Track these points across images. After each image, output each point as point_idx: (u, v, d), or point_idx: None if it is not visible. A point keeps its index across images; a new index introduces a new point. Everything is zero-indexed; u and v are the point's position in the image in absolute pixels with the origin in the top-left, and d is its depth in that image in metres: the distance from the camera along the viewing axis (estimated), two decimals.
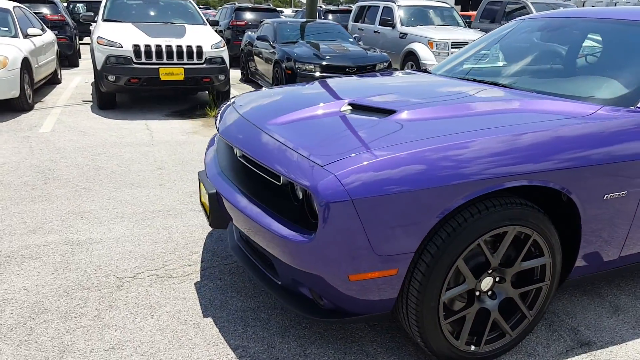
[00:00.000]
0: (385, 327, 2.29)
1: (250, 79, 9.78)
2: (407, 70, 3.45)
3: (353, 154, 1.75)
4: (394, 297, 1.86)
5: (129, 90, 6.61)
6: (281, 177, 1.96)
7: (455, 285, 1.92)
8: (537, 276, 2.08)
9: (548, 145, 1.90)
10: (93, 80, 9.32)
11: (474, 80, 2.77)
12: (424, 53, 8.43)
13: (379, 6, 10.27)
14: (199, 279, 2.63)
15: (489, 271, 1.96)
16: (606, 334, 2.31)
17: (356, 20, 11.23)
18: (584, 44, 2.70)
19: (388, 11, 9.84)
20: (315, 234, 1.68)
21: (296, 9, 36.37)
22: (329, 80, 2.98)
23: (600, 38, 2.67)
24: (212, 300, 2.45)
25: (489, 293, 2.03)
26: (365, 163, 1.69)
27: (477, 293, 1.98)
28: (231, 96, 7.92)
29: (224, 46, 7.00)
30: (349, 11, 13.50)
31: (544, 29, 3.02)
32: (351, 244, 1.69)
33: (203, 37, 6.91)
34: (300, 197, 1.89)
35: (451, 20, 9.82)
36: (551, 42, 2.90)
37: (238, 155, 2.30)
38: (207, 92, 7.29)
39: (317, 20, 9.36)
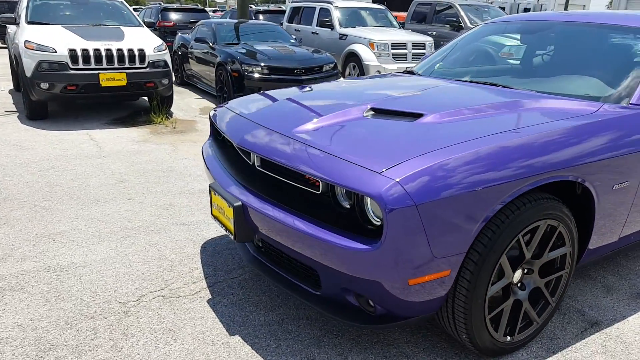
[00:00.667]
0: (414, 328, 2.32)
1: (187, 81, 9.46)
2: (396, 73, 3.49)
3: (407, 159, 1.74)
4: (443, 297, 1.88)
5: (64, 99, 6.13)
6: (320, 186, 1.91)
7: (497, 281, 1.98)
8: (557, 265, 2.19)
9: (572, 142, 2.02)
10: (11, 87, 8.56)
11: (471, 82, 2.86)
12: (366, 54, 8.59)
13: (315, 7, 10.33)
14: (210, 296, 2.50)
15: (522, 264, 2.05)
16: (608, 313, 2.49)
17: (290, 21, 11.20)
18: (567, 46, 2.88)
19: (325, 12, 9.92)
20: (380, 241, 1.66)
21: (213, 9, 35.60)
22: (324, 86, 2.95)
23: (581, 40, 2.87)
24: (233, 317, 2.34)
25: (519, 284, 2.12)
26: (422, 167, 1.70)
27: (512, 286, 2.06)
28: (172, 101, 7.61)
29: (166, 49, 6.71)
30: (280, 12, 13.45)
31: (522, 32, 3.19)
32: (414, 248, 1.68)
33: (144, 40, 6.57)
34: (348, 205, 1.85)
35: (386, 22, 10.09)
36: (532, 45, 3.07)
37: (257, 164, 2.21)
38: (147, 97, 6.94)
39: (258, 21, 9.23)
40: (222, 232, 3.24)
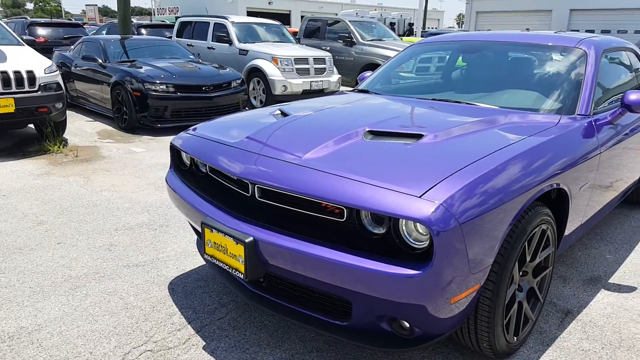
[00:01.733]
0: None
1: (72, 103, 8.63)
2: (347, 91, 3.51)
3: (440, 180, 1.77)
4: (469, 310, 1.94)
5: None
6: (345, 213, 1.86)
7: (509, 287, 2.08)
8: (544, 264, 2.38)
9: (556, 152, 2.21)
10: None
11: (434, 100, 2.98)
12: (271, 69, 8.55)
13: (208, 22, 10.04)
14: (204, 342, 2.30)
15: (523, 268, 2.19)
16: (573, 301, 2.75)
17: (179, 35, 10.78)
18: (511, 64, 3.15)
19: (222, 27, 9.69)
20: (430, 264, 1.66)
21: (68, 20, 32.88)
22: (300, 108, 2.88)
23: (520, 58, 3.15)
24: None
25: (517, 287, 2.25)
26: (459, 188, 1.73)
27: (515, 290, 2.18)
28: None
29: (57, 70, 6.06)
30: (164, 26, 12.87)
31: (456, 51, 3.42)
32: (458, 267, 1.71)
33: (31, 61, 5.86)
34: (380, 231, 1.82)
35: (282, 37, 10.16)
36: (475, 63, 3.30)
37: (257, 196, 2.09)
38: (34, 124, 6.19)
39: (151, 37, 8.73)
40: (186, 269, 2.99)
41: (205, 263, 3.08)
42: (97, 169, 5.12)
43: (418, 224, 1.74)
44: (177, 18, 11.43)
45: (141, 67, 7.14)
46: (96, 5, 51.12)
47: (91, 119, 7.91)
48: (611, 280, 2.98)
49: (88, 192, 4.38)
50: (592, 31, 32.24)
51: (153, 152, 5.86)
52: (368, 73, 3.88)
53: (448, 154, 2.00)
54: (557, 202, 2.43)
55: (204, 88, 7.14)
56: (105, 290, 2.72)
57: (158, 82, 6.80)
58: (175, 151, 2.75)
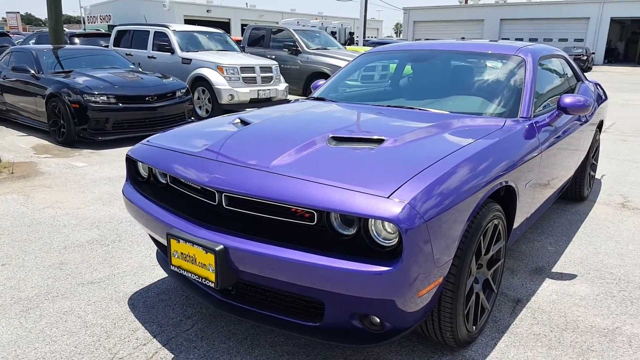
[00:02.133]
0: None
1: (1, 117, 8.16)
2: (303, 100, 3.57)
3: (404, 182, 1.86)
4: (433, 303, 2.04)
5: None
6: (315, 216, 1.92)
7: (468, 279, 2.21)
8: (496, 257, 2.53)
9: (505, 152, 2.38)
10: None
11: (389, 107, 3.10)
12: (216, 78, 8.47)
13: (148, 31, 9.81)
14: (172, 355, 2.27)
15: (479, 261, 2.33)
16: (522, 290, 2.94)
17: (116, 45, 10.45)
18: (456, 72, 3.33)
19: (162, 36, 9.49)
20: (400, 260, 1.74)
21: None
22: (256, 116, 2.90)
23: (465, 66, 3.34)
24: None
25: (474, 279, 2.39)
26: (422, 188, 1.84)
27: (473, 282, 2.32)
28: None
29: None
30: (99, 35, 12.45)
31: (412, 60, 3.58)
32: (425, 262, 1.81)
33: None
34: (350, 232, 1.89)
35: (227, 46, 10.09)
36: (423, 71, 3.46)
37: (225, 204, 2.10)
38: None
39: (88, 47, 8.42)
40: (145, 283, 2.93)
41: (165, 276, 3.03)
42: (36, 186, 4.88)
43: (386, 223, 1.83)
44: (109, 26, 11.11)
45: (79, 78, 6.88)
46: (18, 12, 48.35)
47: (24, 134, 7.51)
48: (554, 270, 3.21)
49: (30, 210, 4.18)
50: (520, 39, 34.31)
51: (96, 166, 5.66)
52: (321, 81, 3.97)
53: (409, 157, 2.11)
54: (505, 198, 2.60)
55: (147, 98, 6.97)
56: (61, 310, 2.62)
57: (98, 93, 6.57)
58: (131, 163, 2.70)
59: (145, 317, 2.56)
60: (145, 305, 2.69)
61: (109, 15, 42.42)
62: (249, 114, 2.99)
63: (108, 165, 5.69)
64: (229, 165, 2.16)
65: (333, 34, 28.32)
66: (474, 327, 2.35)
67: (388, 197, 1.78)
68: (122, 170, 5.47)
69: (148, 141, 2.68)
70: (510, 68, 3.12)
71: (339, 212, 1.79)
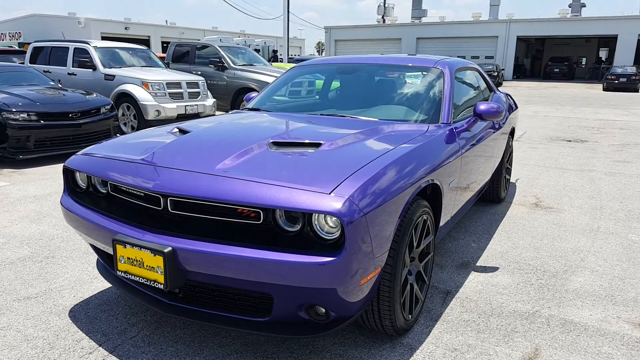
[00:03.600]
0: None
1: None
2: (247, 112, 3.66)
3: (342, 180, 2.02)
4: (372, 293, 2.21)
5: None
6: (261, 215, 2.03)
7: (402, 270, 2.41)
8: (427, 250, 2.77)
9: (431, 154, 2.63)
10: None
11: (322, 115, 3.28)
12: (141, 94, 8.33)
13: (67, 47, 9.46)
14: None
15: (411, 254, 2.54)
16: (451, 283, 3.20)
17: (33, 61, 9.98)
18: (382, 83, 3.59)
19: (83, 52, 9.19)
20: (342, 251, 1.89)
21: None
22: (195, 125, 2.98)
23: (386, 77, 3.61)
24: None
25: (408, 271, 2.60)
26: (360, 185, 2.01)
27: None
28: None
29: None
30: (12, 52, 11.83)
31: (341, 72, 3.80)
32: (365, 253, 1.98)
33: None
34: (295, 229, 2.02)
35: (150, 62, 9.93)
36: (352, 82, 3.70)
37: (170, 208, 2.17)
38: None
39: (5, 63, 7.99)
40: (84, 296, 2.88)
41: (105, 288, 2.99)
42: None
43: (329, 217, 1.98)
44: (20, 44, 10.63)
45: None
46: None
47: None
48: (478, 264, 3.51)
49: None
50: None
51: (19, 185, 5.40)
52: (254, 93, 4.11)
53: (345, 159, 2.29)
54: (432, 198, 2.85)
55: (70, 115, 6.75)
56: None
57: (18, 110, 6.29)
58: (69, 174, 2.68)
59: (89, 328, 2.53)
60: (87, 316, 2.65)
61: (19, 33, 40.06)
62: (187, 123, 3.06)
63: (32, 184, 5.45)
64: (173, 170, 2.23)
65: (257, 51, 28.58)
66: (410, 316, 2.55)
67: (329, 194, 1.94)
68: (48, 188, 5.26)
69: (86, 151, 2.68)
70: (430, 79, 3.43)
71: (286, 209, 1.93)
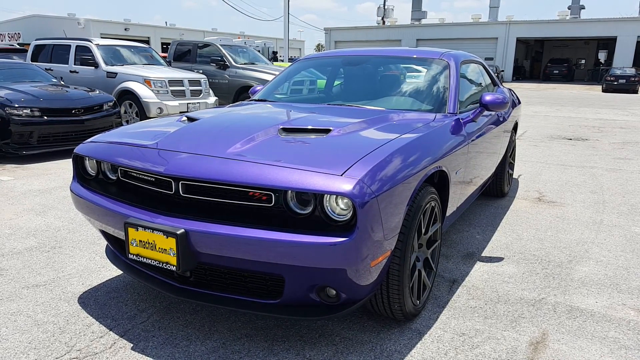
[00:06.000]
0: (342, 317, 2.59)
1: None
2: (254, 103, 3.68)
3: (353, 163, 2.04)
4: (382, 276, 2.23)
5: None
6: (273, 197, 2.05)
7: (411, 255, 2.43)
8: (434, 237, 2.78)
9: (438, 141, 2.64)
10: None
11: (329, 105, 3.31)
12: (144, 92, 8.35)
13: (69, 45, 9.48)
14: (132, 344, 2.28)
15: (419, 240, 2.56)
16: (457, 272, 3.22)
17: (35, 59, 9.99)
18: (387, 75, 3.61)
19: (84, 50, 9.21)
20: (355, 231, 1.91)
21: None
22: (203, 113, 2.99)
23: (391, 69, 3.64)
24: (172, 354, 2.21)
25: (416, 257, 2.62)
26: (371, 167, 2.03)
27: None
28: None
29: None
30: (13, 50, 11.85)
31: (347, 64, 3.82)
32: (376, 234, 1.99)
33: None
34: (306, 210, 2.03)
35: (152, 60, 9.95)
36: (358, 74, 3.72)
37: (182, 192, 2.18)
38: None
39: (5, 60, 8.01)
40: (93, 284, 2.90)
41: (113, 276, 3.00)
42: None
43: (340, 199, 2.00)
44: (20, 44, 10.66)
45: (0, 91, 6.55)
46: None
47: None
48: (483, 254, 3.53)
49: None
50: None
51: (23, 180, 5.41)
52: (259, 87, 4.13)
53: (355, 144, 2.30)
54: (439, 186, 2.87)
55: (74, 111, 6.77)
56: (8, 312, 2.54)
57: (22, 106, 6.30)
58: (78, 161, 2.70)
59: (98, 313, 2.55)
60: (96, 303, 2.66)
61: (19, 33, 40.08)
62: (196, 112, 3.08)
63: (36, 179, 5.46)
64: (184, 154, 2.24)
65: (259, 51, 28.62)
66: (418, 302, 2.57)
67: (341, 175, 1.96)
68: (52, 183, 5.27)
69: (95, 139, 2.69)
70: (436, 70, 3.45)
71: (298, 191, 1.94)
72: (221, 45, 11.10)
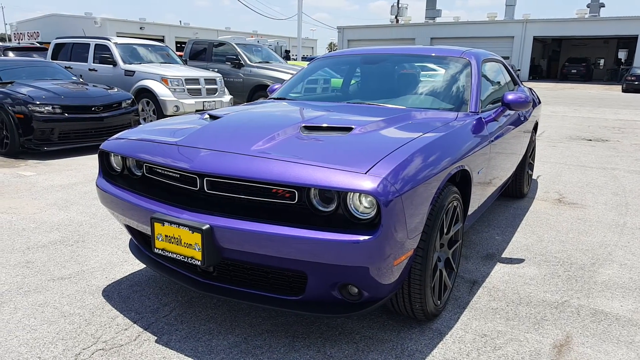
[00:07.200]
0: (361, 315, 2.59)
1: None
2: (273, 101, 3.70)
3: (377, 161, 2.04)
4: (404, 275, 2.23)
5: None
6: (296, 195, 2.06)
7: (433, 255, 2.42)
8: (455, 237, 2.77)
9: (460, 140, 2.63)
10: None
11: (348, 103, 3.31)
12: (161, 90, 8.44)
13: (89, 44, 9.60)
14: (156, 337, 2.31)
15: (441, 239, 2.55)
16: (477, 273, 3.20)
17: (54, 58, 10.14)
18: (407, 73, 3.60)
19: (103, 49, 9.33)
20: (379, 229, 1.91)
21: None
22: (225, 111, 3.02)
23: (412, 69, 3.63)
24: (195, 348, 2.24)
25: (437, 257, 2.61)
26: (395, 165, 2.03)
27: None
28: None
29: None
30: (33, 49, 12.03)
31: (366, 62, 3.82)
32: (400, 233, 1.99)
33: None
34: (329, 208, 2.04)
35: (169, 59, 10.04)
36: (376, 73, 3.72)
37: (206, 188, 2.20)
38: None
39: (27, 58, 8.15)
40: (116, 277, 2.94)
41: (136, 270, 3.04)
42: None
43: (364, 197, 2.00)
44: (39, 43, 10.81)
45: (22, 88, 6.66)
46: None
47: None
48: (504, 255, 3.50)
49: None
50: None
51: (45, 175, 5.50)
52: (277, 85, 4.14)
53: (378, 142, 2.31)
54: (461, 185, 2.86)
55: (93, 109, 6.86)
56: (36, 303, 2.59)
57: (43, 103, 6.40)
58: (104, 157, 2.74)
59: (122, 307, 2.59)
60: (120, 296, 2.70)
61: (37, 32, 40.72)
62: (218, 110, 3.10)
63: (57, 174, 5.54)
64: (209, 151, 2.26)
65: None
66: (439, 302, 2.56)
67: (365, 173, 1.96)
68: (73, 179, 5.35)
69: (120, 135, 2.73)
70: (457, 69, 3.43)
71: (323, 188, 1.95)
72: (236, 44, 11.15)
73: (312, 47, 58.13)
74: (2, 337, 2.27)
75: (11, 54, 11.39)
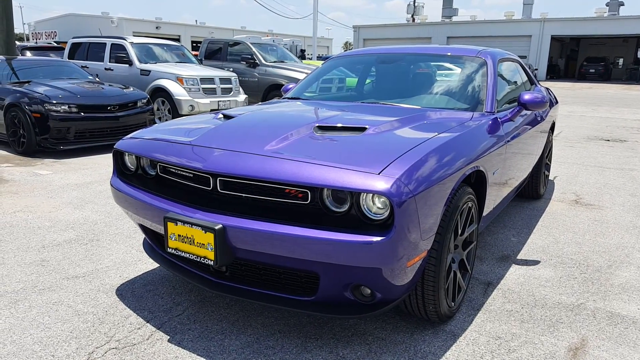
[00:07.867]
0: (373, 317, 2.57)
1: None
2: (287, 101, 3.70)
3: (391, 162, 2.02)
4: (417, 277, 2.21)
5: None
6: (309, 195, 2.05)
7: (447, 256, 2.39)
8: (469, 239, 2.74)
9: (475, 140, 2.60)
10: None
11: (363, 103, 3.30)
12: (176, 89, 8.50)
13: (105, 43, 9.71)
14: (168, 337, 2.32)
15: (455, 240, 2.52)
16: (492, 275, 3.16)
17: (71, 57, 10.27)
18: (424, 71, 3.57)
19: (119, 48, 9.42)
20: (392, 230, 1.90)
21: None
22: (239, 111, 3.02)
23: (428, 68, 3.59)
24: (208, 348, 2.24)
25: (452, 259, 2.58)
26: (409, 166, 2.01)
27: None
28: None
29: None
30: (50, 48, 12.19)
31: (381, 62, 3.80)
32: (413, 234, 1.97)
33: None
34: (342, 209, 2.03)
35: (184, 58, 10.11)
36: (391, 72, 3.69)
37: (219, 188, 2.21)
38: None
39: (44, 58, 8.26)
40: (130, 276, 2.96)
41: (150, 269, 3.06)
42: (2, 192, 4.76)
43: (377, 198, 1.99)
44: (56, 43, 10.96)
45: (39, 88, 6.75)
46: None
47: None
48: (519, 257, 3.46)
49: (0, 214, 4.09)
50: None
51: (61, 174, 5.56)
52: (292, 84, 4.14)
53: (392, 142, 2.29)
54: (475, 186, 2.82)
55: (109, 108, 6.92)
56: (50, 301, 2.62)
57: (60, 102, 6.48)
58: (118, 156, 2.76)
59: (136, 305, 2.60)
60: (133, 295, 2.72)
61: (55, 32, 41.30)
62: (231, 110, 3.11)
63: (73, 173, 5.61)
64: (223, 151, 2.26)
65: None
66: (453, 304, 2.53)
67: (378, 174, 1.95)
68: (88, 177, 5.41)
69: (135, 135, 2.75)
70: (473, 68, 3.39)
71: (336, 188, 1.94)
72: (252, 43, 11.18)
73: (328, 47, 58.07)
74: (16, 335, 2.30)
75: (29, 54, 11.57)
